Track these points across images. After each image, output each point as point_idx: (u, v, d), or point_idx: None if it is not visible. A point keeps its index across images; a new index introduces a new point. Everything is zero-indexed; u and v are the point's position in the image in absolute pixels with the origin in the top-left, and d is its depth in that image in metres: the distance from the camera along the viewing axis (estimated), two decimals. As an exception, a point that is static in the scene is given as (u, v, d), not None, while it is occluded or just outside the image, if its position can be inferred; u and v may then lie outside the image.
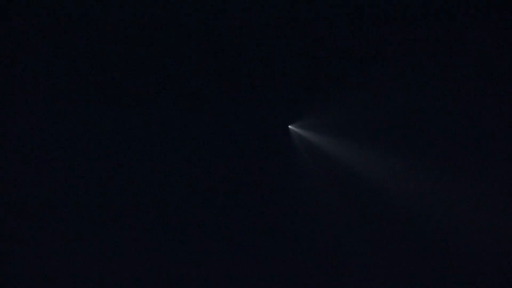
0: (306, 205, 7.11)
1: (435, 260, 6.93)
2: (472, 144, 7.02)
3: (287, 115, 7.16)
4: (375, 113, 7.11)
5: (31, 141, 6.91)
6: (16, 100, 6.89)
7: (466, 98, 7.07)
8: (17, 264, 6.74)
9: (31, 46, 6.97)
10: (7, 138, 6.91)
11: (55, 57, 6.99)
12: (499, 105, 6.96)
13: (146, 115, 7.08)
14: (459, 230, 6.91)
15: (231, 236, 7.01)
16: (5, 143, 6.91)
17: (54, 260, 6.77)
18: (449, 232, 6.91)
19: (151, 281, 6.81)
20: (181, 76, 7.16)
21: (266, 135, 7.13)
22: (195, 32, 7.14)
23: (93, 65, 7.05)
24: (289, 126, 7.13)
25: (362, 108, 7.13)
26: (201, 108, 7.11)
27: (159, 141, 7.07)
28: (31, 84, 6.96)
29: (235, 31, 7.13)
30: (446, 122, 7.03)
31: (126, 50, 7.06)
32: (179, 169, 7.05)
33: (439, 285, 6.83)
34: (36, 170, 6.88)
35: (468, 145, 7.03)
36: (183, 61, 7.14)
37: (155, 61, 7.10)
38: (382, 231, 6.99)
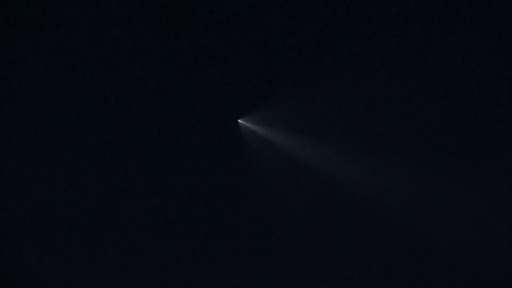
0: (256, 202, 7.07)
1: (403, 260, 6.76)
2: (447, 132, 6.84)
3: (236, 109, 7.17)
4: (329, 107, 7.05)
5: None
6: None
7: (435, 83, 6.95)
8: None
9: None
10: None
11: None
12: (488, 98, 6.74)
13: (92, 109, 7.19)
14: (429, 229, 6.73)
15: (178, 234, 7.02)
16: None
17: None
18: (415, 231, 6.73)
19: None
20: (130, 69, 7.25)
21: (214, 130, 7.15)
22: (143, 24, 7.25)
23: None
24: (239, 120, 7.14)
25: (315, 102, 7.07)
26: (147, 102, 7.17)
27: (108, 132, 7.17)
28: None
29: (184, 21, 7.22)
30: (413, 111, 6.89)
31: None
32: (125, 164, 7.12)
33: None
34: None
35: (442, 132, 6.84)
36: (133, 55, 7.25)
37: (98, 53, 7.22)
38: (339, 228, 6.88)
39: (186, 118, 7.12)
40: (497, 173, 6.54)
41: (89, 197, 6.91)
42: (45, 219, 6.90)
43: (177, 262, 6.80)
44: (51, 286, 6.67)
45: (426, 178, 6.71)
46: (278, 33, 7.14)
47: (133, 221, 6.89)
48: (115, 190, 6.93)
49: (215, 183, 7.04)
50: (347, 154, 6.91)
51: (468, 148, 6.64)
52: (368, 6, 6.98)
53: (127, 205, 6.92)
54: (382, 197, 6.76)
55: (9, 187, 6.89)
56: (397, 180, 6.77)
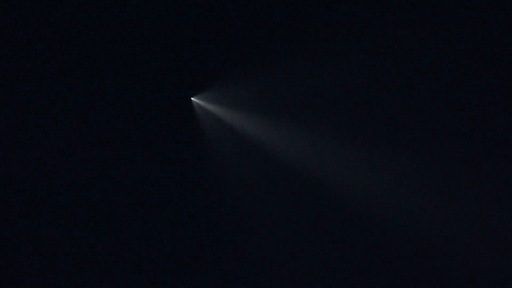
0: (211, 186, 6.32)
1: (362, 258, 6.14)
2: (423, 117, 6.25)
3: (189, 86, 6.39)
4: (290, 85, 6.36)
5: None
6: None
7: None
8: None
9: None
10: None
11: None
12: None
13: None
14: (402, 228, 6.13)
15: (124, 219, 6.20)
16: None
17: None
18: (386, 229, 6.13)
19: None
20: (74, 45, 6.37)
21: (166, 108, 6.36)
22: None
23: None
24: (192, 98, 6.38)
25: (279, 79, 6.37)
26: (94, 78, 6.33)
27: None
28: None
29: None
30: (387, 91, 6.27)
31: None
32: (73, 144, 6.24)
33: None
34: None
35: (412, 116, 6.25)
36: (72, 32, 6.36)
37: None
38: (299, 216, 6.20)
39: (135, 94, 6.29)
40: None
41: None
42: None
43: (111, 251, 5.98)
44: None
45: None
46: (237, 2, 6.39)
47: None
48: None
49: (165, 165, 6.24)
50: (316, 138, 6.25)
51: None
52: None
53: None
54: (358, 189, 6.12)
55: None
56: (376, 171, 6.15)
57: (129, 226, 6.17)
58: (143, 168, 6.28)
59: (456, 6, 6.14)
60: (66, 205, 6.14)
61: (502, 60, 6.06)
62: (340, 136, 6.21)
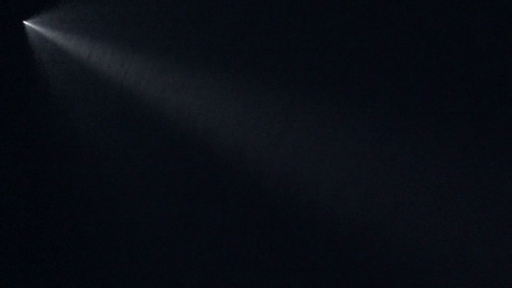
0: (46, 116, 6.05)
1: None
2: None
3: (21, 9, 6.07)
4: (131, 9, 5.92)
5: None
6: None
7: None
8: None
9: None
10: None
11: None
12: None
13: None
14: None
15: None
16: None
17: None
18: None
19: None
20: None
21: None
22: None
23: None
24: (24, 22, 6.06)
25: (115, 2, 5.95)
26: None
27: None
28: None
29: None
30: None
31: None
32: None
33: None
34: None
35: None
36: None
37: None
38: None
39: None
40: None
41: None
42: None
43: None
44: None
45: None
46: None
47: None
48: None
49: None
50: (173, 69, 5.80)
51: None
52: None
53: None
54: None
55: None
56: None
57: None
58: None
59: None
60: None
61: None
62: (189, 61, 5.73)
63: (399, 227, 4.95)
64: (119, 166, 5.84)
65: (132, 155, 5.81)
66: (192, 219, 5.54)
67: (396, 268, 4.68)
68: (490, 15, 4.14)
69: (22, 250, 5.90)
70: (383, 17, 4.58)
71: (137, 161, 5.78)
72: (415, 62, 4.43)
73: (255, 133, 5.42)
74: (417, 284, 4.49)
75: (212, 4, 5.58)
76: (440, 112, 4.34)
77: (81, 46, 6.01)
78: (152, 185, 5.71)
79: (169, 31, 5.78)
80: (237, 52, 5.46)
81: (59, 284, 5.79)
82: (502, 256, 4.07)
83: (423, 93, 4.44)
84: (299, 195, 5.13)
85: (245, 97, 5.54)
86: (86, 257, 5.78)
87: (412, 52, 4.42)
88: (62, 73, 6.03)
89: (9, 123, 6.06)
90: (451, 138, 4.37)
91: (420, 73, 4.43)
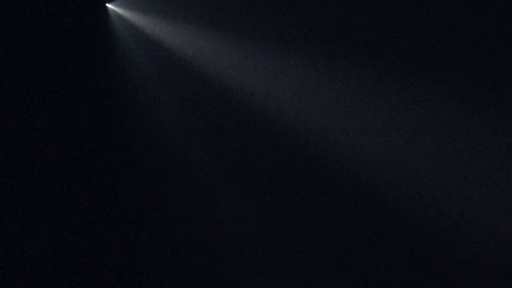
0: (126, 102, 5.86)
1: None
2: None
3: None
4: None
5: None
6: None
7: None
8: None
9: None
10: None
11: None
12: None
13: None
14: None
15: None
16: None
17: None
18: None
19: None
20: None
21: (80, 15, 5.91)
22: None
23: None
24: (108, 5, 5.90)
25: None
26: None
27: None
28: None
29: None
30: None
31: None
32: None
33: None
34: None
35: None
36: None
37: None
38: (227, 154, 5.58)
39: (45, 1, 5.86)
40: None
41: None
42: None
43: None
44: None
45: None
46: None
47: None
48: None
49: (79, 87, 5.82)
50: (252, 51, 5.59)
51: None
52: None
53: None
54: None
55: None
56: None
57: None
58: (56, 84, 5.89)
59: None
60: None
61: None
62: (283, 50, 5.51)
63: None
64: (203, 159, 5.63)
65: (216, 149, 5.60)
66: (275, 215, 5.32)
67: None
68: None
69: (89, 248, 5.69)
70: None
71: (221, 155, 5.57)
72: None
73: (346, 127, 5.19)
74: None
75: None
76: None
77: (165, 29, 5.81)
78: (232, 180, 5.49)
79: (261, 16, 5.57)
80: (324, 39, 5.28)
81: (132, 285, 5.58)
82: None
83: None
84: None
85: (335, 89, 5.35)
86: (156, 254, 5.58)
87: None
88: (146, 57, 5.85)
89: (91, 107, 5.88)
90: None
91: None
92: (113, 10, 5.86)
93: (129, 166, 5.80)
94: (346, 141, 5.14)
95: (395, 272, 4.93)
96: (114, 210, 5.69)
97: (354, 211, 5.09)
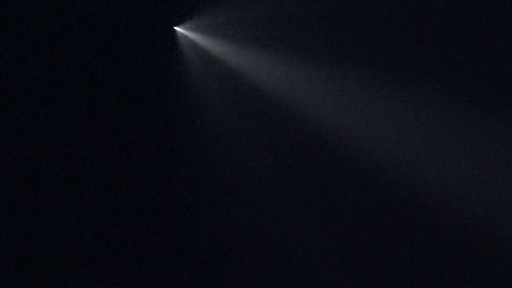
0: (197, 125, 6.01)
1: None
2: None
3: (172, 15, 5.92)
4: (286, 11, 5.92)
5: None
6: None
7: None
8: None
9: None
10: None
11: None
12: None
13: None
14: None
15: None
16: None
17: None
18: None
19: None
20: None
21: (148, 38, 5.90)
22: None
23: None
24: (175, 28, 5.92)
25: (267, 4, 5.92)
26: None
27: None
28: None
29: None
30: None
31: None
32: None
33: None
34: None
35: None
36: None
37: None
38: (292, 162, 5.92)
39: (115, 23, 5.79)
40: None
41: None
42: None
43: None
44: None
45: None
46: None
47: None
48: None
49: (147, 101, 5.87)
50: (315, 71, 5.90)
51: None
52: None
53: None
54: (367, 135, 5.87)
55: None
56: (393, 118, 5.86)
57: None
58: (123, 105, 5.90)
59: None
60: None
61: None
62: (345, 68, 5.87)
63: None
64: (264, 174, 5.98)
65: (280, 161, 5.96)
66: (328, 219, 5.81)
67: None
68: None
69: (153, 250, 5.93)
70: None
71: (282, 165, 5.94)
72: None
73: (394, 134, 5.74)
74: None
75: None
76: None
77: (232, 51, 5.98)
78: (288, 186, 5.91)
79: (333, 40, 5.90)
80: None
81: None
82: None
83: None
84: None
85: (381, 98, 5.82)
86: (218, 258, 5.92)
87: None
88: (213, 79, 5.99)
89: (160, 128, 5.99)
90: None
91: None
92: (181, 33, 5.92)
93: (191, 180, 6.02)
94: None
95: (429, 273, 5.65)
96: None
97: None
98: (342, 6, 5.74)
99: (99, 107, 5.86)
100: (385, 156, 5.74)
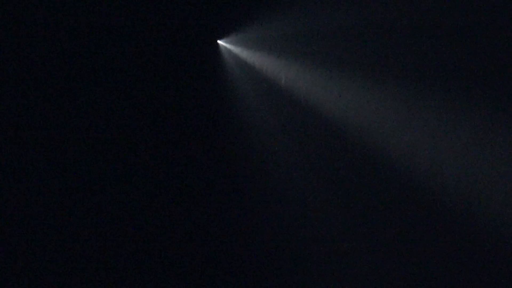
0: (239, 135, 6.07)
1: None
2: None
3: (215, 29, 5.97)
4: (326, 25, 5.97)
5: None
6: None
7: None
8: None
9: None
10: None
11: None
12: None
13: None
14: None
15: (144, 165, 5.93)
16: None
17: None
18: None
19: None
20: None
21: (192, 52, 5.95)
22: None
23: None
24: (218, 41, 5.97)
25: (310, 19, 5.97)
26: (114, 12, 5.83)
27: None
28: None
29: None
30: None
31: None
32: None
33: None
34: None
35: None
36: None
37: None
38: (337, 175, 5.99)
39: (158, 37, 5.84)
40: None
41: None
42: None
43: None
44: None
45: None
46: None
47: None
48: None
49: (192, 114, 5.93)
50: (351, 82, 5.97)
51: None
52: None
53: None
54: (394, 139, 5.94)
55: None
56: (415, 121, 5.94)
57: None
58: (166, 116, 5.96)
59: None
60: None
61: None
62: (381, 80, 5.93)
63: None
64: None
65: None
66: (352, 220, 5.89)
67: None
68: None
69: (181, 249, 5.99)
70: None
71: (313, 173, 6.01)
72: None
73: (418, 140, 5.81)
74: None
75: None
76: None
77: (276, 65, 6.03)
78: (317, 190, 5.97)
79: (376, 55, 5.95)
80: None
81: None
82: None
83: None
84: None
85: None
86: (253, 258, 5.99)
87: None
88: (256, 93, 6.04)
89: (202, 143, 6.05)
90: None
91: None
92: (224, 47, 5.96)
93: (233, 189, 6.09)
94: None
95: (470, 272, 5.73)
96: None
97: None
98: (390, 19, 5.80)
99: (142, 120, 5.91)
100: (419, 161, 5.81)
